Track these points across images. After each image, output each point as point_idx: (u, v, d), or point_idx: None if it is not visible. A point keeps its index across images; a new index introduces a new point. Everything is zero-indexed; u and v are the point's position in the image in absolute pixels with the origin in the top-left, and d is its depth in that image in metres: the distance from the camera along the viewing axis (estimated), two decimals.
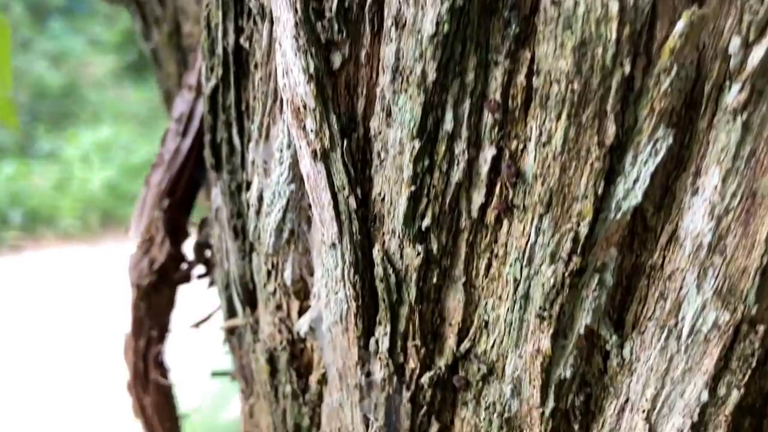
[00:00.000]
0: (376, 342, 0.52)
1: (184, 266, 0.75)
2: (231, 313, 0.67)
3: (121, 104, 6.57)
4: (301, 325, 0.55)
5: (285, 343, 0.59)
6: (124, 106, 6.55)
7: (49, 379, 3.41)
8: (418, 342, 0.51)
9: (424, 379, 0.52)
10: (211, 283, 0.75)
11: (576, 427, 0.51)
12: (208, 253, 0.74)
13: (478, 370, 0.51)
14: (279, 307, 0.59)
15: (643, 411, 0.48)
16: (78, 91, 6.68)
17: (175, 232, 0.72)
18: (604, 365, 0.49)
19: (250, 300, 0.64)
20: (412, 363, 0.52)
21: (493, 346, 0.50)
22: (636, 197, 0.44)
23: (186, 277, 0.75)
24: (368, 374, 0.53)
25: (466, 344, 0.51)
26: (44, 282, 4.53)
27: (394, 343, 0.51)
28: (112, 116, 6.43)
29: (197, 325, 0.76)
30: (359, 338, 0.52)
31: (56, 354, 3.64)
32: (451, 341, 0.51)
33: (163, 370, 0.77)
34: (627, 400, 0.48)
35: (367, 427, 0.54)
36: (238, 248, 0.63)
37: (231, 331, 0.68)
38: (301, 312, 0.57)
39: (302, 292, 0.57)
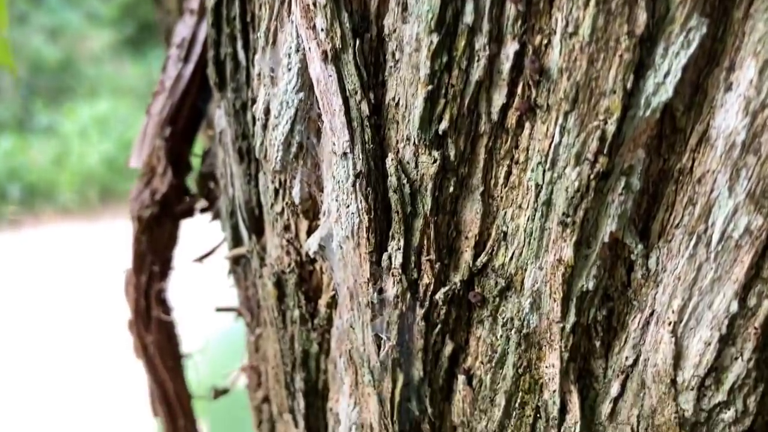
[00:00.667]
0: (389, 257, 0.50)
1: (187, 199, 0.72)
2: (236, 242, 0.65)
3: (118, 78, 6.53)
4: (311, 244, 0.53)
5: (293, 265, 0.57)
6: (122, 80, 6.51)
7: (48, 356, 3.41)
8: (432, 256, 0.49)
9: (439, 296, 0.50)
10: (215, 216, 0.72)
11: (597, 344, 0.49)
12: (211, 185, 0.72)
13: (496, 284, 0.49)
14: (287, 228, 0.56)
15: (669, 323, 0.46)
16: (75, 66, 6.63)
17: (178, 162, 0.70)
18: (627, 278, 0.47)
19: (256, 226, 0.61)
20: (426, 279, 0.50)
21: (511, 258, 0.48)
22: (666, 92, 0.41)
23: (189, 211, 0.73)
24: (380, 291, 0.50)
25: (483, 258, 0.49)
26: (44, 258, 4.52)
27: (407, 258, 0.49)
28: (109, 90, 6.39)
29: (200, 259, 0.74)
30: (371, 254, 0.50)
31: (55, 330, 3.63)
32: (467, 255, 0.49)
33: (165, 308, 0.75)
34: (652, 313, 0.46)
35: (379, 347, 0.52)
36: (244, 172, 0.60)
37: (236, 261, 0.66)
38: (310, 232, 0.55)
39: (311, 211, 0.55)
